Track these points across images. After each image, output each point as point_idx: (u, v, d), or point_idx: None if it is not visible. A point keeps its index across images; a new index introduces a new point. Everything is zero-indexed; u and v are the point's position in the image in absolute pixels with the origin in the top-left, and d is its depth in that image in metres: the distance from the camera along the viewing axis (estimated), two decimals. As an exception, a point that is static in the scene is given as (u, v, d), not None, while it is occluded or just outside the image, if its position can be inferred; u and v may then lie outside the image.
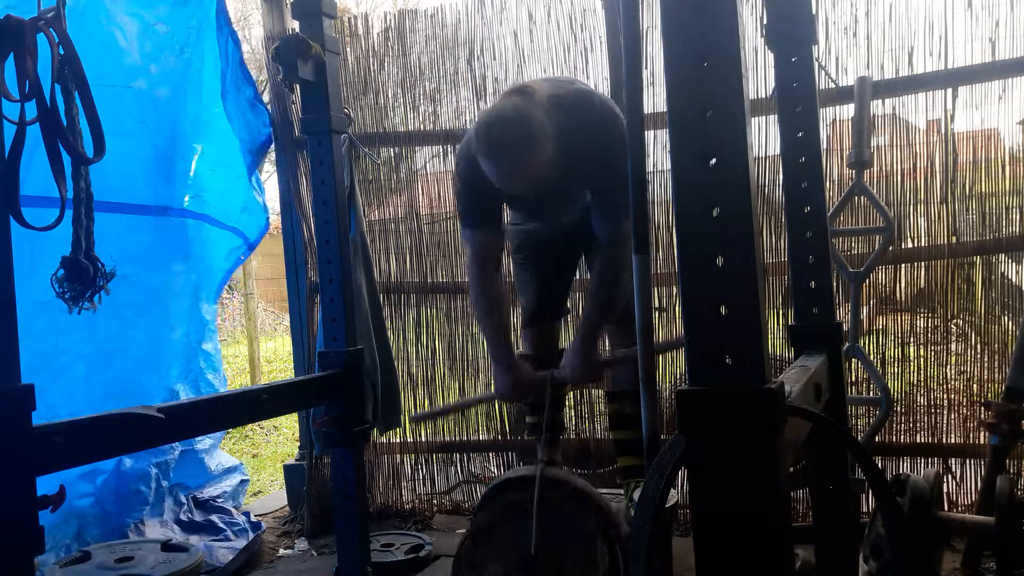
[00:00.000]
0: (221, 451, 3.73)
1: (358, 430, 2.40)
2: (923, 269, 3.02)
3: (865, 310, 3.03)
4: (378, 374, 2.89)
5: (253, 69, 3.53)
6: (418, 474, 3.55)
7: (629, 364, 2.10)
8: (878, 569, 2.01)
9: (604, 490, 2.26)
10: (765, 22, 1.60)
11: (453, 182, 2.37)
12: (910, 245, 3.02)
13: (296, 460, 3.65)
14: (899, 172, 2.99)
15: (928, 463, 2.96)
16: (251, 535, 3.18)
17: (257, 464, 4.83)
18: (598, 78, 3.23)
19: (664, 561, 1.82)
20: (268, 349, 8.41)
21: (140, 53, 3.07)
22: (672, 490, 1.94)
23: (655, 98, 3.01)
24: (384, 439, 3.48)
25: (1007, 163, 2.89)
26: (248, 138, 3.39)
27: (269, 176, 7.84)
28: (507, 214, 2.70)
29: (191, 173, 3.48)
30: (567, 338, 2.83)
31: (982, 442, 2.82)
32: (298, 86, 2.38)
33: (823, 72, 2.88)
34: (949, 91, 2.85)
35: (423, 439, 3.52)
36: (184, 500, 3.34)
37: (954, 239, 2.93)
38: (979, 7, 2.81)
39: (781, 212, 2.99)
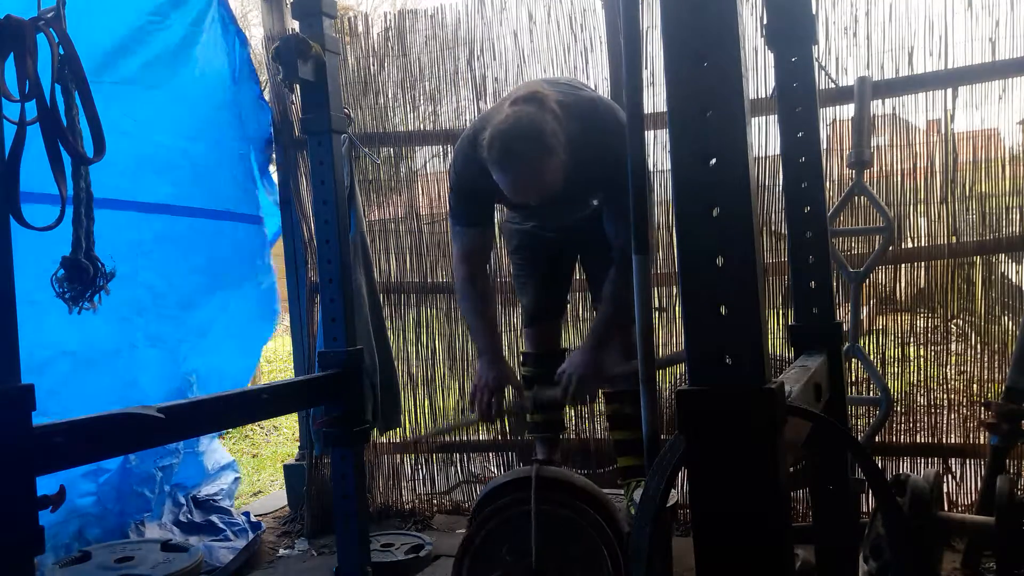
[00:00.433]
0: (220, 446, 3.72)
1: (358, 430, 2.40)
2: (923, 269, 3.02)
3: (865, 310, 3.03)
4: (378, 374, 2.89)
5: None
6: (418, 474, 3.55)
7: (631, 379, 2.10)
8: (878, 569, 2.01)
9: (604, 490, 2.26)
10: (765, 22, 1.60)
11: (448, 178, 2.37)
12: (910, 245, 3.02)
13: (296, 460, 3.65)
14: (899, 172, 2.99)
15: (928, 463, 2.96)
16: (251, 535, 3.17)
17: (257, 464, 4.83)
18: (598, 78, 3.23)
19: (664, 561, 1.82)
20: (268, 349, 8.40)
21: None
22: (672, 490, 1.94)
23: (655, 98, 3.01)
24: (384, 439, 3.48)
25: (1007, 163, 2.89)
26: (257, 136, 3.39)
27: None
28: (504, 212, 2.70)
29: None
30: (567, 338, 2.84)
31: (982, 442, 2.82)
32: (298, 86, 2.38)
33: (823, 72, 2.88)
34: (949, 91, 2.85)
35: (423, 439, 3.52)
36: (183, 501, 3.34)
37: (954, 239, 2.93)
38: (979, 7, 2.81)
39: (781, 212, 2.99)
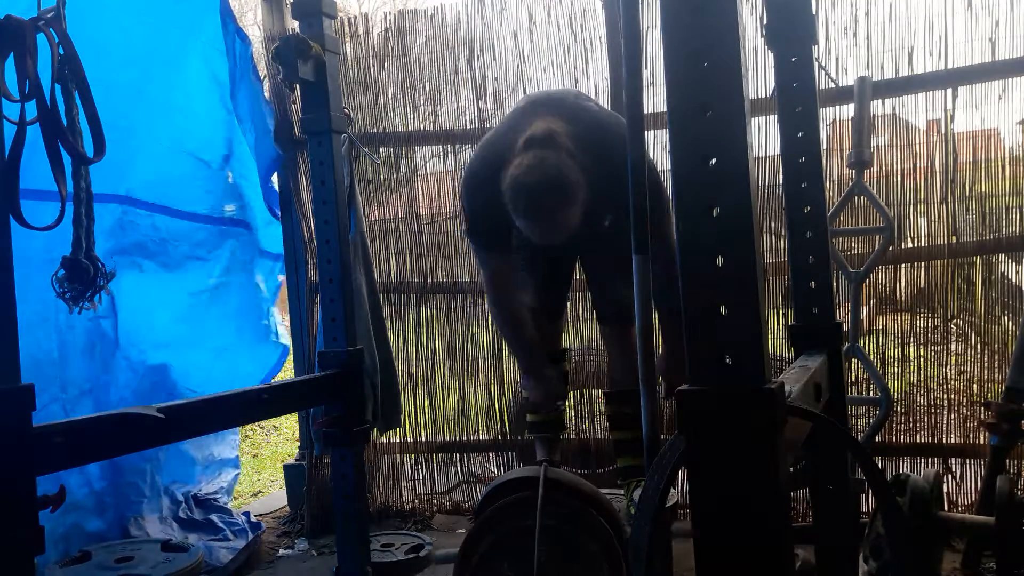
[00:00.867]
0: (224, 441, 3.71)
1: (358, 430, 2.39)
2: (923, 269, 3.02)
3: (865, 310, 3.03)
4: (378, 374, 2.88)
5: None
6: (418, 474, 3.55)
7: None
8: (878, 569, 2.01)
9: (604, 490, 2.26)
10: (765, 22, 1.60)
11: (462, 213, 2.39)
12: (910, 245, 3.02)
13: (296, 460, 3.65)
14: (899, 172, 2.99)
15: (928, 463, 2.96)
16: (251, 535, 3.17)
17: (257, 464, 4.83)
18: (598, 78, 3.23)
19: (664, 561, 1.82)
20: (268, 349, 8.40)
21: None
22: (672, 490, 1.94)
23: (655, 98, 3.01)
24: (384, 439, 3.48)
25: (1007, 163, 2.89)
26: (262, 138, 3.35)
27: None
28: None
29: (229, 180, 3.49)
30: (567, 338, 2.83)
31: (982, 442, 2.82)
32: (298, 86, 2.38)
33: (823, 72, 2.88)
34: (949, 91, 2.85)
35: (423, 439, 3.52)
36: (181, 498, 3.34)
37: (954, 239, 2.93)
38: (979, 7, 2.81)
39: (781, 212, 2.99)
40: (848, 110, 2.84)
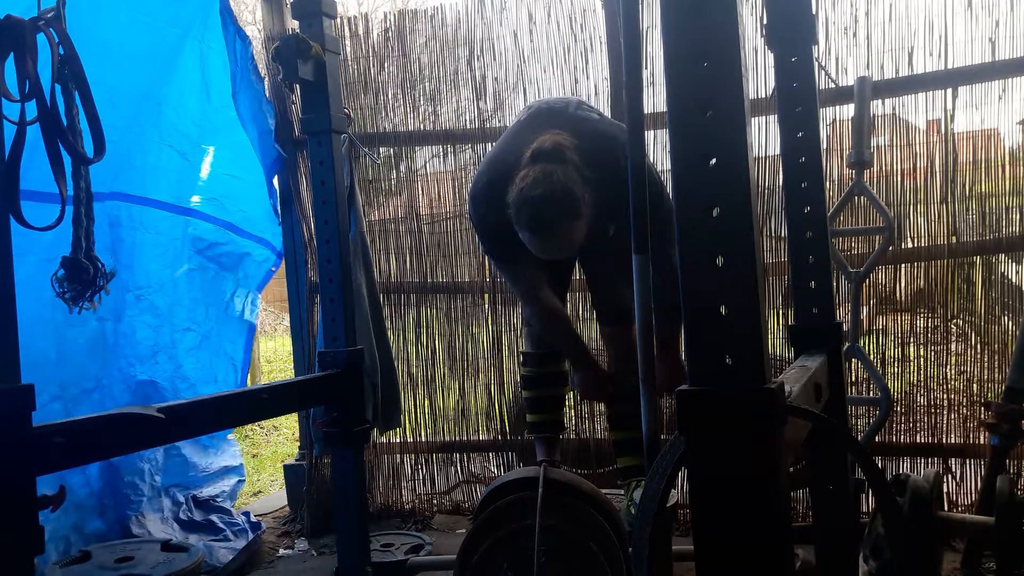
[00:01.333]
0: (230, 440, 3.72)
1: (358, 430, 2.40)
2: (923, 269, 3.01)
3: (865, 310, 3.03)
4: (378, 374, 2.89)
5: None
6: (418, 474, 3.55)
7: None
8: (878, 569, 2.01)
9: (604, 490, 2.26)
10: (765, 22, 1.60)
11: (475, 230, 2.42)
12: (910, 245, 3.02)
13: (296, 460, 3.65)
14: (899, 172, 2.99)
15: (928, 463, 2.96)
16: (251, 535, 3.17)
17: (257, 464, 4.83)
18: (598, 78, 3.23)
19: (664, 561, 1.82)
20: (268, 349, 8.41)
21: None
22: (672, 490, 1.94)
23: (655, 98, 3.01)
24: (384, 439, 3.48)
25: (1007, 163, 2.89)
26: (263, 138, 3.36)
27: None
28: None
29: (202, 175, 3.48)
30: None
31: (982, 442, 2.82)
32: (298, 86, 2.38)
33: (823, 72, 2.88)
34: (949, 91, 2.85)
35: (423, 439, 3.52)
36: (183, 499, 3.34)
37: (954, 239, 2.93)
38: (979, 7, 2.81)
39: (781, 212, 2.99)
40: (848, 110, 2.84)
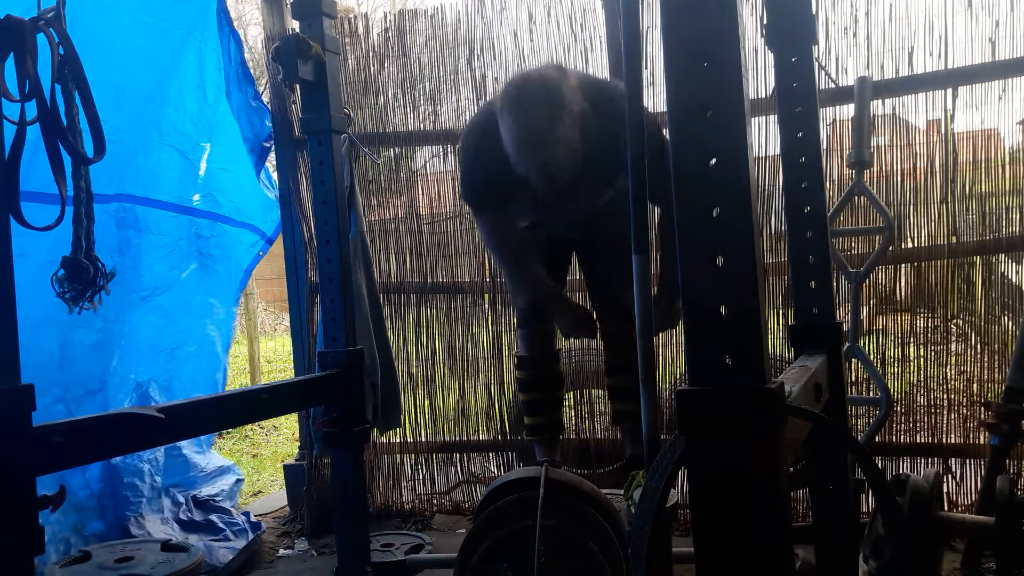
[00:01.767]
0: (213, 452, 3.74)
1: (358, 430, 2.40)
2: (923, 269, 3.01)
3: (865, 310, 3.03)
4: (378, 374, 2.89)
5: (251, 69, 3.53)
6: (418, 474, 3.55)
7: None
8: (878, 569, 2.01)
9: (604, 490, 2.26)
10: (765, 22, 1.60)
11: (460, 161, 2.31)
12: (910, 245, 3.02)
13: (296, 460, 3.65)
14: (899, 172, 2.99)
15: (928, 463, 2.96)
16: (251, 535, 3.17)
17: (257, 464, 4.83)
18: (598, 78, 3.23)
19: (664, 561, 1.82)
20: (268, 349, 8.41)
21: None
22: (672, 490, 1.94)
23: (655, 98, 3.01)
24: (384, 439, 3.48)
25: (1007, 163, 2.89)
26: (252, 136, 3.41)
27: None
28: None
29: (201, 172, 3.49)
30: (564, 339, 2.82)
31: (982, 442, 2.82)
32: (298, 86, 2.38)
33: (823, 72, 2.88)
34: (949, 91, 2.85)
35: (423, 439, 3.52)
36: (182, 499, 3.34)
37: (954, 239, 2.93)
38: (979, 7, 2.80)
39: (781, 212, 2.99)
40: (848, 110, 2.83)
